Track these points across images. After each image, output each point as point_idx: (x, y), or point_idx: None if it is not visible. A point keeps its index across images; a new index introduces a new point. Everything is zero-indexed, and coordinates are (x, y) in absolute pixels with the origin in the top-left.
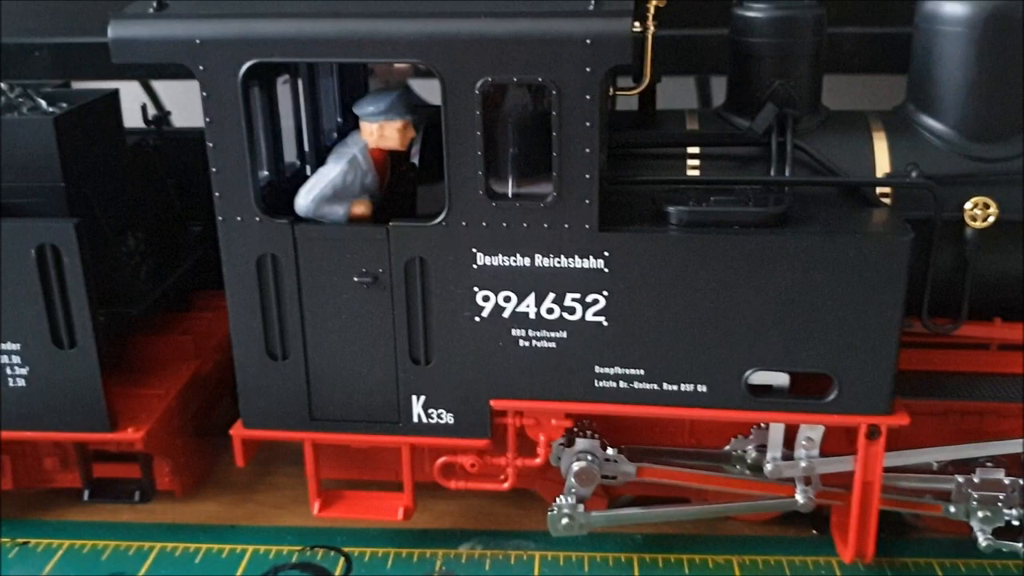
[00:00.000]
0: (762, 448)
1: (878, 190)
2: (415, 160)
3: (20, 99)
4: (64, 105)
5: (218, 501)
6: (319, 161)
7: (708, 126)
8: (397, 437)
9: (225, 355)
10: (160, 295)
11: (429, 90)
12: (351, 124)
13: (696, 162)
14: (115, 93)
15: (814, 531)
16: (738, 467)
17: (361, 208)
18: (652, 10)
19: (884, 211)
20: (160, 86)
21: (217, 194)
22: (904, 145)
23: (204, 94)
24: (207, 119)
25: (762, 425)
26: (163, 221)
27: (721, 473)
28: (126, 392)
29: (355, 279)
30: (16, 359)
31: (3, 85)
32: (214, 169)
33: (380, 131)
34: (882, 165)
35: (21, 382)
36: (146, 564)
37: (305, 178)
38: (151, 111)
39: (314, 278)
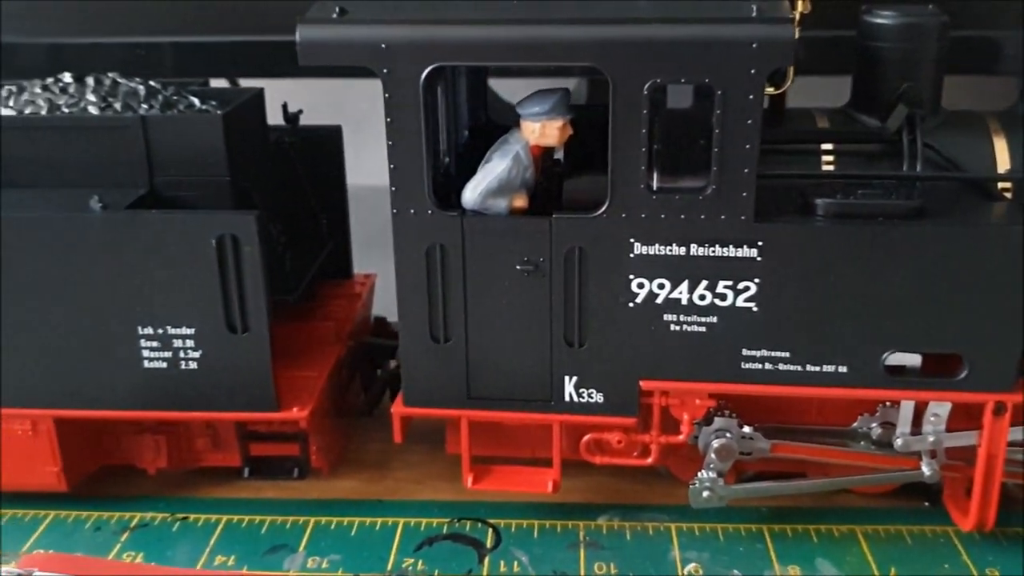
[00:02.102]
0: (887, 425)
1: (999, 184)
2: (558, 156)
3: (175, 97)
4: (213, 103)
5: (357, 478)
6: (457, 157)
7: (836, 124)
8: (549, 415)
9: (356, 341)
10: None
11: None
12: (472, 122)
13: (830, 158)
14: (261, 92)
15: (926, 503)
16: (863, 443)
17: (520, 201)
18: (798, 16)
19: (1007, 204)
20: None
21: (393, 188)
22: (1022, 143)
23: (386, 95)
24: (388, 119)
25: (887, 404)
26: (299, 214)
27: (847, 448)
28: (284, 374)
29: (517, 267)
30: (190, 343)
31: (153, 83)
32: (392, 165)
33: (542, 130)
34: (1002, 162)
35: (193, 365)
36: (305, 537)
37: (450, 173)
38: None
39: (478, 266)
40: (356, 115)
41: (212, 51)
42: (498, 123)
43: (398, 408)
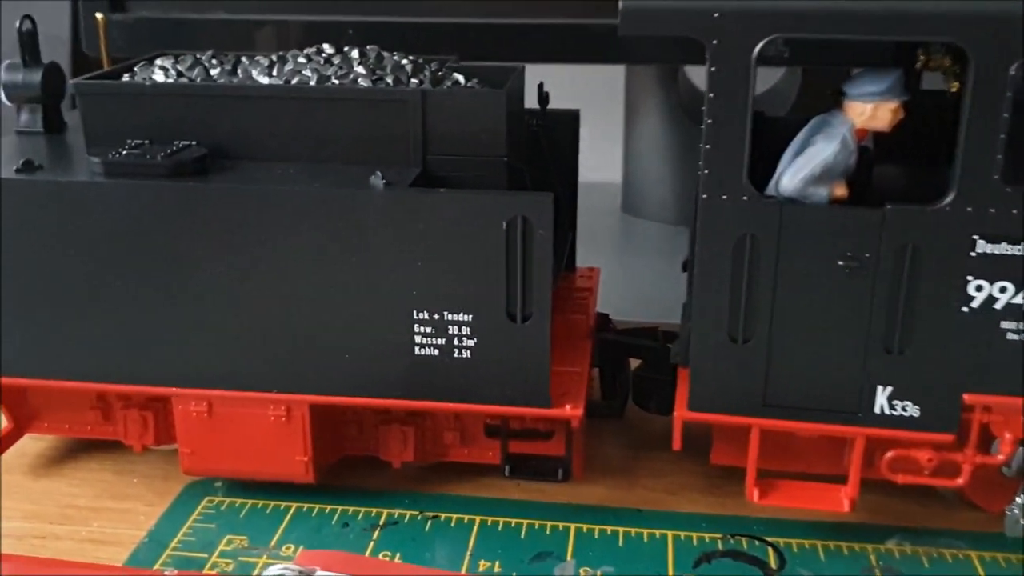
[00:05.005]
0: None
1: None
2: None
3: (440, 72)
4: (475, 80)
5: (604, 484)
6: None
7: None
8: (853, 428)
9: (602, 337)
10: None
11: None
12: None
13: None
14: (523, 70)
15: None
16: None
17: (841, 190)
18: None
19: None
20: None
21: (706, 171)
22: None
23: (712, 69)
24: (710, 94)
25: None
26: None
27: None
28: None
29: (839, 263)
30: (466, 330)
31: (414, 58)
32: (708, 145)
33: (873, 111)
34: None
35: (467, 354)
36: (569, 545)
37: None
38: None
39: (793, 261)
40: None
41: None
42: None
43: (681, 412)
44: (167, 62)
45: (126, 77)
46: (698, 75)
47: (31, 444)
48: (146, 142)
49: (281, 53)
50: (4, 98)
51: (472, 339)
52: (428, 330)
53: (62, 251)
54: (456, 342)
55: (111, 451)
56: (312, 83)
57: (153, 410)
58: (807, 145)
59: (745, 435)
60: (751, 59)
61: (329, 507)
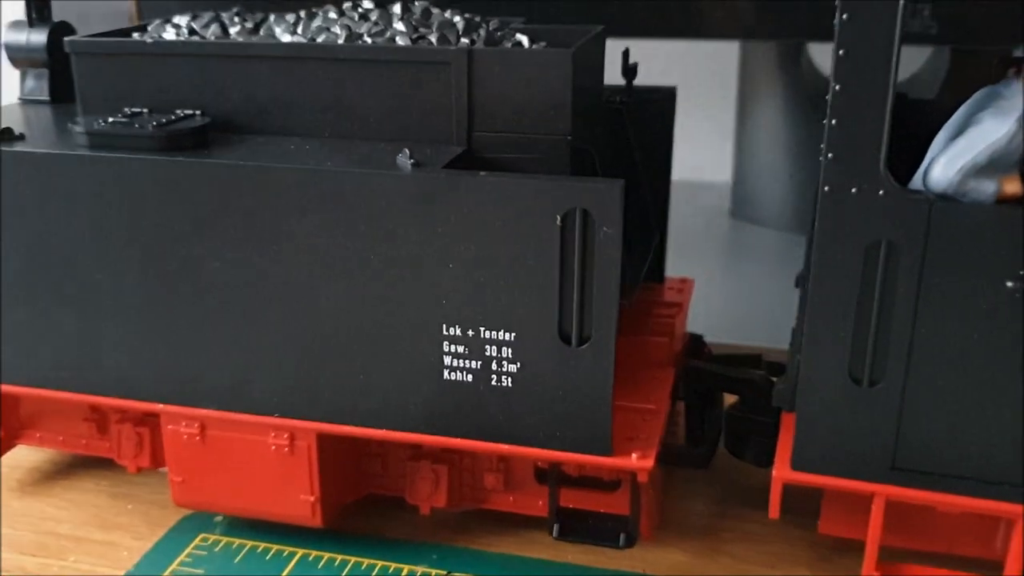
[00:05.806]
0: None
1: None
2: None
3: (498, 33)
4: (543, 44)
5: (681, 548)
6: None
7: None
8: (1013, 505)
9: (688, 365)
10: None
11: None
12: None
13: None
14: (602, 33)
15: None
16: None
17: (1014, 186)
18: None
19: None
20: None
21: (831, 155)
22: None
23: (843, 16)
24: (840, 50)
25: None
26: (629, 196)
27: None
28: (615, 405)
29: (1007, 284)
30: (507, 352)
31: (470, 16)
32: (833, 121)
33: None
34: None
35: (507, 381)
36: None
37: None
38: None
39: (943, 278)
40: None
41: None
42: None
43: (783, 471)
44: (183, 19)
45: (136, 37)
46: (824, 56)
47: (27, 456)
48: (144, 111)
49: (313, 9)
50: (7, 61)
51: (514, 364)
52: (460, 350)
53: (36, 235)
54: (494, 367)
55: (111, 469)
56: (340, 42)
57: (150, 426)
58: (970, 124)
59: (865, 502)
60: (899, 5)
61: (340, 557)
